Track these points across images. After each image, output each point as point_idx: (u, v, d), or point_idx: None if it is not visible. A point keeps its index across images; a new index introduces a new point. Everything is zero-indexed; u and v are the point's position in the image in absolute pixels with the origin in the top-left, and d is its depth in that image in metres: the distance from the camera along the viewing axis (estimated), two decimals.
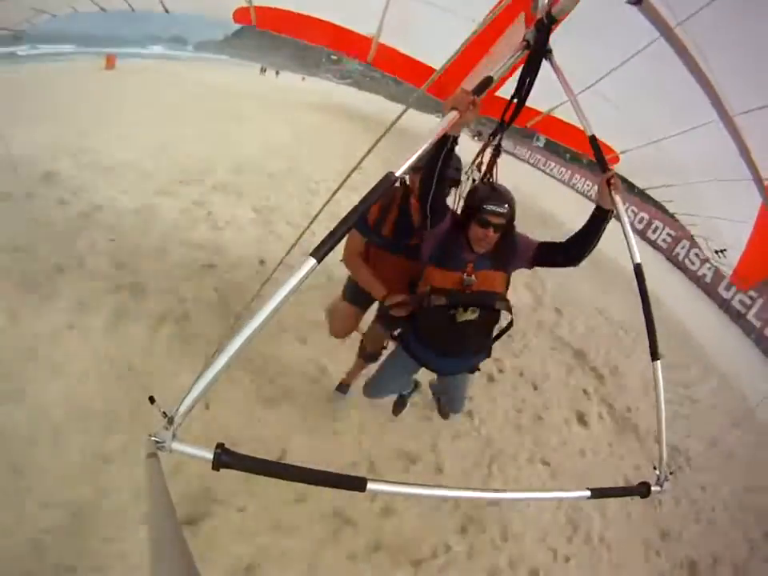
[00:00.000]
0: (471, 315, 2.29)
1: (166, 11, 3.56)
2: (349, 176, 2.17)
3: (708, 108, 2.68)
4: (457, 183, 2.66)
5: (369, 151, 2.21)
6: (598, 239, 2.22)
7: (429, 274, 2.35)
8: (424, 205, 2.17)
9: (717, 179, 3.79)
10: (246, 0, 3.30)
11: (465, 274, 2.27)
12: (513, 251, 2.37)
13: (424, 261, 2.40)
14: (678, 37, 2.16)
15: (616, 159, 4.19)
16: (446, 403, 3.41)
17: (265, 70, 47.81)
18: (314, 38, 3.60)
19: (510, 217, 2.24)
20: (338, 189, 2.16)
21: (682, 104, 3.02)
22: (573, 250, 2.29)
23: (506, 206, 2.20)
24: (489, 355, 2.67)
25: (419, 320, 2.48)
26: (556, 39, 2.41)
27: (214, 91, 14.77)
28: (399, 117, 2.23)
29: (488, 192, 2.24)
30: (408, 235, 2.65)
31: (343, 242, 2.49)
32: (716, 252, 5.44)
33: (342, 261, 2.89)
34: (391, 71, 3.65)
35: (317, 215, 2.08)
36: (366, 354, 3.35)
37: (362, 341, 3.37)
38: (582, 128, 2.25)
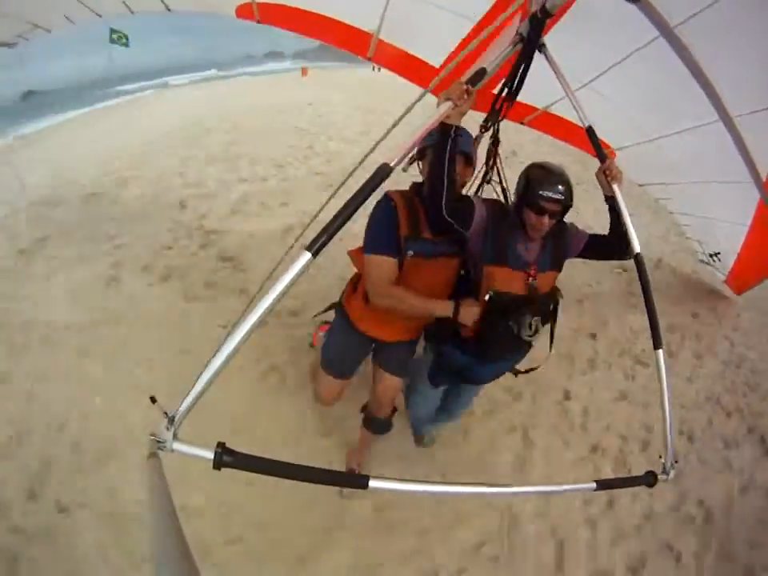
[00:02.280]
0: (535, 336, 2.19)
1: (168, 9, 3.60)
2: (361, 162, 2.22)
3: (705, 109, 2.70)
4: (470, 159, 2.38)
5: (384, 135, 2.35)
6: (624, 225, 2.09)
7: (489, 273, 2.16)
8: (438, 208, 1.98)
9: (714, 181, 3.80)
10: None
11: (529, 278, 2.15)
12: (569, 247, 2.29)
13: (476, 258, 2.21)
14: (677, 36, 2.16)
15: (612, 155, 4.20)
16: (443, 417, 3.12)
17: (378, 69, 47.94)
18: (315, 34, 3.63)
19: (568, 203, 2.07)
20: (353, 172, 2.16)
21: (680, 104, 3.04)
22: (614, 242, 2.21)
23: (563, 191, 2.03)
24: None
25: (481, 329, 2.20)
26: (555, 35, 2.41)
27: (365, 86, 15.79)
28: (405, 113, 2.41)
29: (544, 176, 2.06)
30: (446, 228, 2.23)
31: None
32: (710, 255, 5.45)
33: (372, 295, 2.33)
34: (390, 67, 3.65)
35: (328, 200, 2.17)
36: (378, 424, 2.79)
37: (365, 407, 2.85)
38: (578, 124, 2.25)
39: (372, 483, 1.37)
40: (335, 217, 1.44)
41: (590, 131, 2.15)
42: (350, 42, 3.50)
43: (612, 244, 2.24)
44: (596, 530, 3.11)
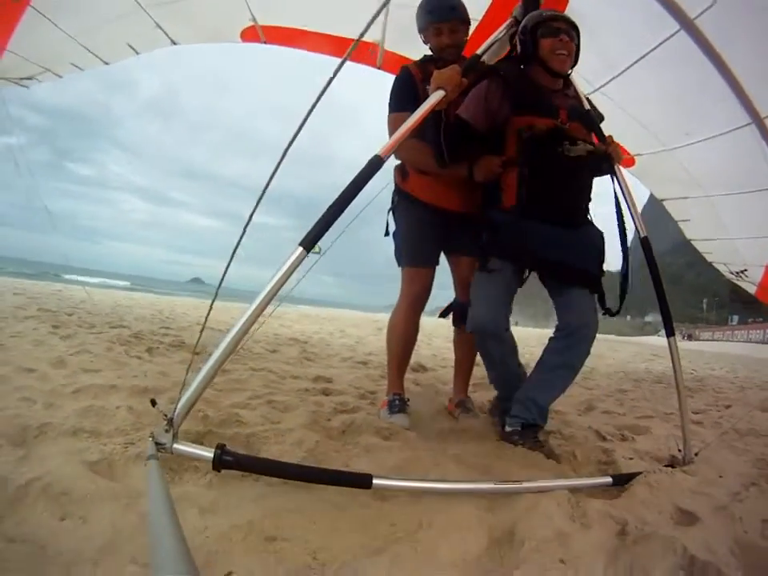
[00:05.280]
0: (582, 150, 1.93)
1: (174, 43, 3.68)
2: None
3: (723, 115, 2.62)
4: None
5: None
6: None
7: (513, 123, 1.98)
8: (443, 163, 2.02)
9: (735, 192, 3.68)
10: (250, 19, 3.39)
11: (560, 121, 1.96)
12: (597, 123, 2.14)
13: (500, 118, 2.01)
14: (698, 29, 2.11)
15: (631, 161, 4.13)
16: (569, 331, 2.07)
17: None
18: (321, 50, 3.69)
19: (572, 21, 2.01)
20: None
21: (697, 110, 2.96)
22: None
23: (561, 12, 2.04)
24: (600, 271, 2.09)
25: (522, 169, 1.99)
26: None
27: None
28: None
29: (537, 8, 2.07)
30: None
31: None
32: (737, 273, 5.28)
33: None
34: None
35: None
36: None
37: (448, 309, 2.57)
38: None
39: (376, 482, 1.30)
40: (328, 210, 1.40)
41: (591, 114, 2.11)
42: (358, 55, 3.53)
43: None
44: None
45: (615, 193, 2.06)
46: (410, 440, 1.92)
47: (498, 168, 2.02)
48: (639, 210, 2.10)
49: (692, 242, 5.29)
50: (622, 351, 9.63)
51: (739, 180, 3.47)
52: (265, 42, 3.66)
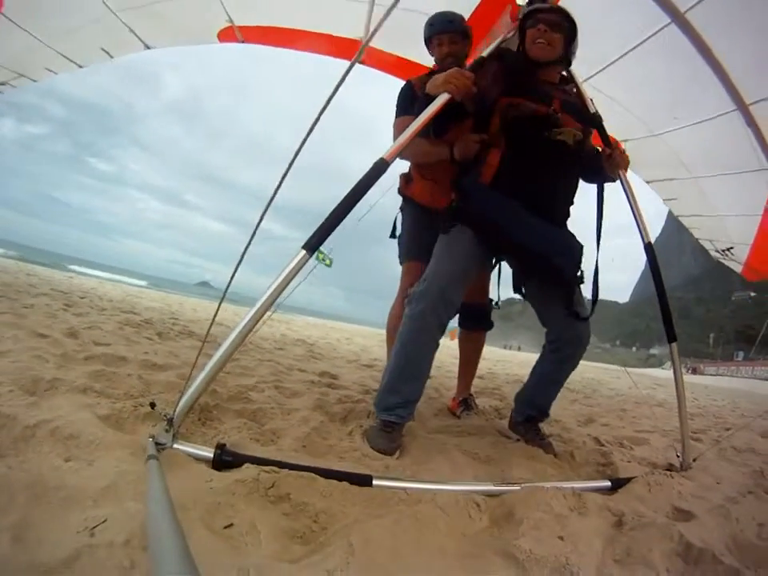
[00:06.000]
0: (569, 136, 1.88)
1: (147, 47, 3.64)
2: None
3: (709, 102, 2.64)
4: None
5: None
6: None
7: (501, 103, 1.93)
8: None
9: (722, 173, 3.66)
10: (226, 20, 3.39)
11: (552, 109, 1.89)
12: (595, 122, 2.12)
13: (488, 98, 1.96)
14: (689, 22, 2.15)
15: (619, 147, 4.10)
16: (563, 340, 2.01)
17: None
18: (301, 48, 3.71)
19: (561, 10, 1.96)
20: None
21: (685, 97, 2.99)
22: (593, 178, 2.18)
23: (551, 5, 1.99)
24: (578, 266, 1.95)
25: (506, 145, 1.93)
26: None
27: None
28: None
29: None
30: None
31: None
32: (722, 251, 5.24)
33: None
34: (382, 69, 3.70)
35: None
36: (475, 313, 2.62)
37: None
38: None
39: (376, 482, 1.29)
40: (332, 213, 1.39)
41: (596, 117, 2.11)
42: (338, 51, 3.57)
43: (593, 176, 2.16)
44: None
45: (610, 196, 2.13)
46: (412, 428, 1.93)
47: (475, 145, 1.99)
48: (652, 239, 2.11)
49: (679, 218, 5.24)
50: (625, 379, 9.68)
51: (726, 161, 3.48)
52: (243, 42, 3.65)
